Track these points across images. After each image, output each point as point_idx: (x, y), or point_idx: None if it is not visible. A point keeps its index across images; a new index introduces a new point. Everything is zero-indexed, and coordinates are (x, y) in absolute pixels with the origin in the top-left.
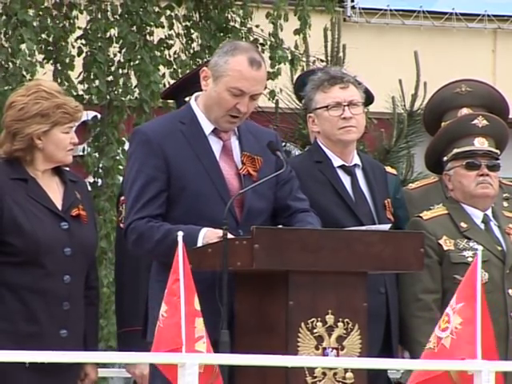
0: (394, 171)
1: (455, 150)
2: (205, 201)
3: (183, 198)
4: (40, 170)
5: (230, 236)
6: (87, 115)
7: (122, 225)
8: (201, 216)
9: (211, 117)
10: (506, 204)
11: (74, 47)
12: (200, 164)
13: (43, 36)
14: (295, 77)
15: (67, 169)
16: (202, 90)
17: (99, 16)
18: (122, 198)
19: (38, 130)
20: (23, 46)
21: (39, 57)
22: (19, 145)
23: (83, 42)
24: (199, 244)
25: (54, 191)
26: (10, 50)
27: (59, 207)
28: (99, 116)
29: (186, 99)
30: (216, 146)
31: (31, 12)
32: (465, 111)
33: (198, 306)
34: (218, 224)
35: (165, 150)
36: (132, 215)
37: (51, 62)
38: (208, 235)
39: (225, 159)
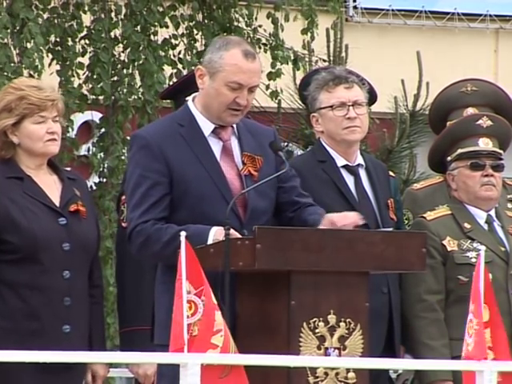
0: (391, 173)
1: (459, 150)
2: (208, 202)
3: (186, 200)
4: (32, 168)
5: (236, 235)
6: (92, 115)
7: (123, 224)
8: (204, 218)
9: (212, 114)
10: (510, 206)
11: (82, 47)
12: (201, 166)
13: (51, 36)
14: (298, 77)
15: (68, 168)
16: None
17: (103, 16)
18: (124, 197)
19: (4, 124)
20: (29, 44)
21: (47, 57)
22: None
23: (87, 41)
24: (209, 242)
25: (52, 188)
26: (12, 48)
27: (57, 203)
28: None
29: (187, 99)
30: (216, 146)
31: (35, 12)
32: (470, 111)
33: (215, 300)
34: (222, 225)
35: (165, 153)
36: (136, 219)
37: (60, 61)
38: (218, 233)
39: (225, 160)
